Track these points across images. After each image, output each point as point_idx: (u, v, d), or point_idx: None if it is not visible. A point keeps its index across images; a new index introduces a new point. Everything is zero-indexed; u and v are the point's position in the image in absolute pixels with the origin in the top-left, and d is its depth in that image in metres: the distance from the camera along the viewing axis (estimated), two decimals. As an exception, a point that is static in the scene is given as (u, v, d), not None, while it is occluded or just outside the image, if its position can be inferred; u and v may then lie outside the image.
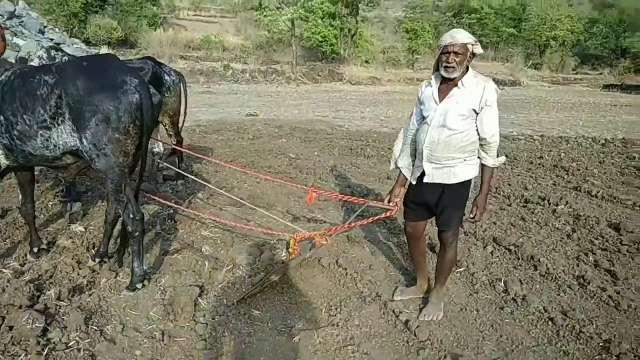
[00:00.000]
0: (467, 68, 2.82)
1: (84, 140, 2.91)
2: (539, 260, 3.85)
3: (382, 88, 26.46)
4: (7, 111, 2.97)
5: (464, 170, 2.91)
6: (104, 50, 24.67)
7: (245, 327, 2.91)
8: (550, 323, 3.06)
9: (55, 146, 3.02)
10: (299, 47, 30.79)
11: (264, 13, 29.07)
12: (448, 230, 3.06)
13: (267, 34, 32.58)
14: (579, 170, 7.17)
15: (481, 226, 4.66)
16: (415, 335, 2.93)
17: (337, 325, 2.99)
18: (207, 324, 2.90)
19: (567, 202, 5.36)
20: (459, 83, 2.82)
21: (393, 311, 3.17)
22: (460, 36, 2.75)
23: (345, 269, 3.69)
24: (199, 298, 3.10)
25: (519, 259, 3.97)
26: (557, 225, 4.75)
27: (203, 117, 12.59)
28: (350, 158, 8.19)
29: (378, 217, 3.48)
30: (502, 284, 3.53)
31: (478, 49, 2.79)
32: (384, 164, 7.72)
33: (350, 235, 4.33)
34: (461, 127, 2.82)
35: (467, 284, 3.61)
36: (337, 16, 30.60)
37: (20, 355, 2.47)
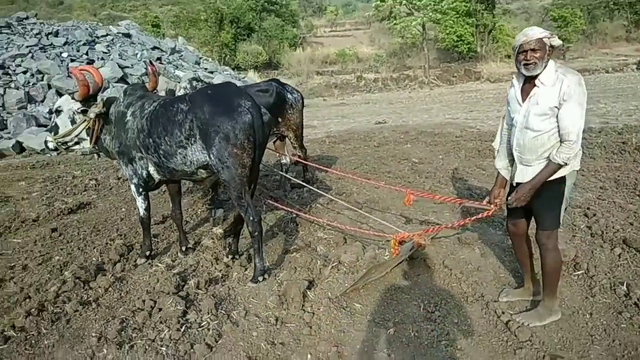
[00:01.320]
0: (547, 63, 2.74)
1: (211, 155, 3.51)
2: (675, 264, 3.43)
3: (524, 83, 24.62)
4: (154, 134, 3.73)
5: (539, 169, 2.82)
6: (251, 74, 27.31)
7: (346, 318, 3.19)
8: (675, 332, 2.76)
9: (191, 162, 3.68)
10: (433, 49, 30.33)
11: (395, 21, 29.29)
12: (542, 231, 2.94)
13: (400, 41, 32.71)
14: None
15: (613, 227, 4.27)
16: (515, 336, 2.90)
17: (434, 322, 3.10)
18: (313, 314, 3.24)
19: None
20: (537, 81, 2.75)
21: (495, 312, 3.16)
22: (533, 32, 2.72)
23: (451, 269, 3.75)
24: (307, 290, 3.47)
25: (651, 262, 3.58)
26: None
27: (334, 128, 13.25)
28: (477, 160, 7.94)
29: (475, 217, 3.47)
30: (624, 287, 3.25)
31: (556, 41, 2.71)
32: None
33: (461, 238, 4.34)
34: (544, 128, 2.76)
35: (584, 287, 3.40)
36: (472, 13, 29.44)
37: (164, 331, 3.09)
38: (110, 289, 3.72)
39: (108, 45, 16.00)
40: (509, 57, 29.94)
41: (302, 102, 6.31)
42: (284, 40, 36.24)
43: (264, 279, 3.73)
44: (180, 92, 5.57)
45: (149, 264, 4.19)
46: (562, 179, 2.83)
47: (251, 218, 3.63)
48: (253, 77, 25.58)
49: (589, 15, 34.61)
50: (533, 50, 2.69)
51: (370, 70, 30.03)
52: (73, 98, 4.22)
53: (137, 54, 16.38)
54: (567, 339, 2.86)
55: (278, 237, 4.68)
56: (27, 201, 6.43)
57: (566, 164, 2.77)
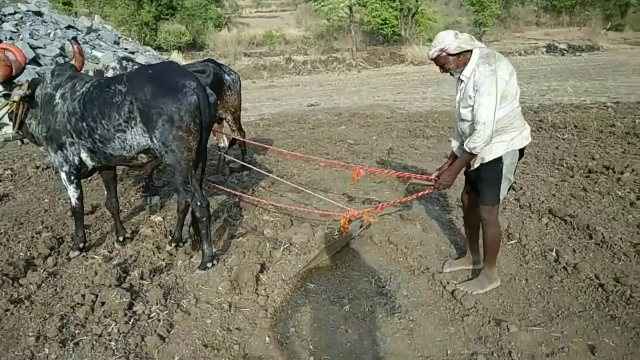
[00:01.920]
0: (469, 59, 2.90)
1: (154, 139, 3.33)
2: (595, 229, 3.80)
3: (446, 66, 25.73)
4: (88, 118, 3.46)
5: (489, 151, 2.95)
6: (175, 54, 26.14)
7: (301, 299, 3.21)
8: (600, 290, 3.07)
9: (130, 147, 3.47)
10: (359, 32, 30.69)
11: (322, 3, 29.26)
12: (483, 205, 3.11)
13: (327, 23, 32.73)
14: (655, 135, 6.74)
15: (538, 199, 4.63)
16: (461, 304, 3.07)
17: (386, 296, 3.21)
18: (267, 296, 3.23)
19: (633, 170, 5.13)
20: (462, 76, 2.95)
21: (441, 282, 3.33)
22: (431, 52, 2.98)
23: (397, 245, 3.88)
24: (260, 274, 3.44)
25: (574, 228, 3.94)
26: (620, 194, 4.60)
27: (267, 111, 13.09)
28: (409, 140, 8.24)
29: (422, 193, 3.58)
30: (553, 253, 3.55)
31: (452, 49, 2.86)
32: (443, 143, 7.72)
33: (403, 214, 4.49)
34: (469, 117, 2.95)
35: (517, 255, 3.67)
36: (395, -3, 30.09)
37: (111, 325, 2.93)
38: (43, 284, 3.45)
39: (17, 24, 14.50)
40: (430, 40, 31.05)
41: (240, 84, 6.16)
42: (208, 20, 34.89)
43: (213, 265, 3.64)
44: (109, 73, 5.21)
45: (84, 256, 3.93)
46: (500, 159, 2.97)
47: (198, 203, 3.51)
48: (177, 58, 24.47)
49: (503, 0, 36.65)
50: (440, 65, 2.99)
51: (299, 53, 29.86)
52: None
53: (49, 33, 15.00)
54: (507, 303, 3.08)
55: (222, 222, 4.57)
56: None
57: (473, 153, 2.92)
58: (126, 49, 18.78)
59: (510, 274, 3.41)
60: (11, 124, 3.95)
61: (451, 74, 3.05)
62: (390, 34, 30.97)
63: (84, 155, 3.71)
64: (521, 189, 4.95)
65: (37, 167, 6.83)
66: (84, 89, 3.56)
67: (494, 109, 2.78)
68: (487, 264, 3.29)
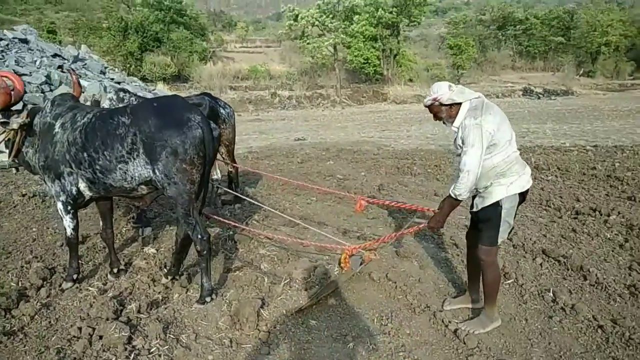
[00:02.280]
0: (458, 111, 3.06)
1: (156, 171, 3.32)
2: (588, 270, 3.89)
3: (427, 106, 26.43)
4: (89, 148, 3.44)
5: (489, 194, 3.06)
6: (160, 86, 26.22)
7: (304, 335, 3.17)
8: (599, 331, 3.13)
9: (132, 178, 3.44)
10: (342, 70, 31.46)
11: (307, 41, 30.01)
12: (481, 246, 3.18)
13: (311, 60, 33.49)
14: (634, 179, 7.00)
15: (530, 239, 4.73)
16: (464, 343, 3.08)
17: (389, 334, 3.19)
18: (269, 332, 3.18)
19: (619, 212, 5.31)
20: (453, 127, 3.11)
21: (442, 321, 3.33)
22: (426, 100, 3.18)
23: (395, 282, 3.88)
24: (261, 309, 3.39)
25: (568, 269, 4.03)
26: (608, 236, 4.74)
27: (254, 144, 13.18)
28: (397, 177, 8.37)
29: (418, 227, 3.61)
30: (550, 294, 3.61)
31: (444, 99, 3.04)
32: (431, 181, 7.87)
33: (399, 251, 4.52)
34: None
35: (515, 295, 3.71)
36: (378, 38, 31.09)
37: (111, 359, 2.84)
38: (36, 316, 3.34)
39: (2, 51, 14.36)
40: (411, 80, 32.07)
41: (234, 117, 6.23)
42: (193, 53, 35.31)
43: (212, 299, 3.58)
44: (105, 104, 5.21)
45: (77, 288, 3.83)
46: (498, 202, 3.05)
47: (199, 236, 3.48)
48: (163, 89, 24.54)
49: (480, 44, 38.23)
50: (433, 113, 3.19)
51: (284, 88, 30.36)
52: None
53: (35, 60, 14.85)
54: (510, 343, 3.10)
55: (217, 255, 4.52)
56: None
57: (458, 199, 3.02)
58: (112, 78, 18.67)
59: (510, 314, 3.44)
60: (7, 151, 3.90)
61: (444, 123, 3.19)
62: (372, 73, 31.84)
63: (82, 186, 3.67)
64: (512, 228, 5.04)
65: (23, 195, 6.67)
66: (85, 119, 3.55)
67: (478, 159, 2.89)
68: (488, 304, 3.32)
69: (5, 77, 3.90)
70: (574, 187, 6.92)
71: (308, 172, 8.76)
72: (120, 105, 4.91)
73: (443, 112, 3.12)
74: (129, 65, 31.30)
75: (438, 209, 3.27)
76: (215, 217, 4.84)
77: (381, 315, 3.43)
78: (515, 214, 3.20)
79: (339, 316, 3.42)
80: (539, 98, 27.94)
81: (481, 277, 3.33)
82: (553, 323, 3.28)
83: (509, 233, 3.27)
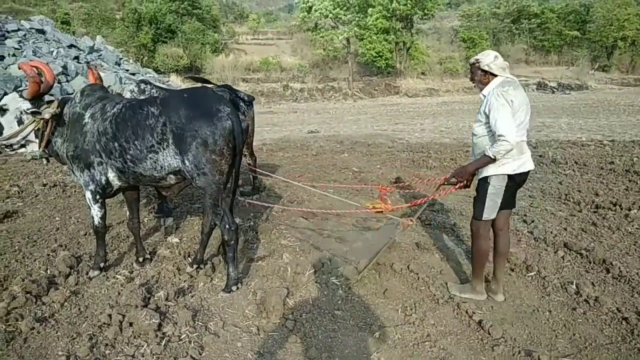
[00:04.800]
0: (490, 80, 3.27)
1: (186, 161, 3.36)
2: (611, 263, 3.89)
3: (440, 99, 26.31)
4: (120, 138, 3.50)
5: (483, 168, 3.27)
6: (173, 77, 26.34)
7: (330, 324, 3.22)
8: (624, 323, 3.13)
9: (162, 167, 3.50)
10: (354, 63, 31.33)
11: (320, 33, 29.90)
12: (472, 218, 3.48)
13: (323, 53, 33.40)
14: (654, 174, 6.94)
15: (551, 232, 4.72)
16: (489, 334, 3.10)
17: (414, 324, 3.23)
18: (295, 321, 3.23)
19: (640, 207, 5.29)
20: (481, 94, 3.31)
21: (466, 312, 3.36)
22: (472, 59, 3.40)
23: (417, 273, 3.91)
24: (286, 298, 3.44)
25: (590, 262, 4.03)
26: (630, 230, 4.72)
27: (267, 136, 13.21)
28: (413, 170, 8.37)
29: (449, 190, 3.74)
30: (574, 286, 3.62)
31: (482, 64, 3.26)
32: (447, 174, 7.85)
33: (419, 243, 4.55)
34: (478, 133, 3.31)
35: (538, 287, 3.72)
36: (391, 31, 30.91)
37: (143, 346, 2.91)
38: (66, 303, 3.42)
39: (20, 41, 14.60)
40: (424, 74, 31.88)
41: (254, 110, 6.26)
42: (206, 44, 35.38)
43: (238, 288, 3.64)
44: (127, 95, 5.27)
45: (104, 276, 3.91)
46: (486, 179, 3.27)
47: (227, 226, 3.53)
48: (176, 81, 24.69)
49: (494, 38, 37.84)
50: (471, 72, 3.41)
51: (296, 80, 30.34)
52: (21, 96, 3.85)
53: (52, 51, 15.11)
54: (534, 334, 3.12)
55: (240, 245, 4.58)
56: (-61, 209, 5.68)
57: (495, 158, 3.12)
58: (127, 70, 18.91)
59: (533, 305, 3.46)
60: (37, 141, 3.96)
61: (476, 86, 3.43)
62: (385, 66, 31.69)
63: (112, 175, 3.73)
64: (533, 222, 5.05)
65: (45, 185, 6.79)
66: (115, 109, 3.61)
67: (510, 121, 3.03)
68: (473, 275, 3.61)
69: (36, 66, 3.97)
70: (592, 182, 6.88)
71: (323, 165, 8.78)
72: (142, 96, 4.97)
73: (478, 75, 3.33)
74: (142, 57, 31.46)
75: (468, 163, 3.44)
76: (252, 201, 4.89)
77: (405, 305, 3.47)
78: (510, 197, 3.38)
79: (363, 306, 3.46)
80: (553, 92, 27.66)
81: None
82: (577, 315, 3.29)
83: (497, 212, 3.38)
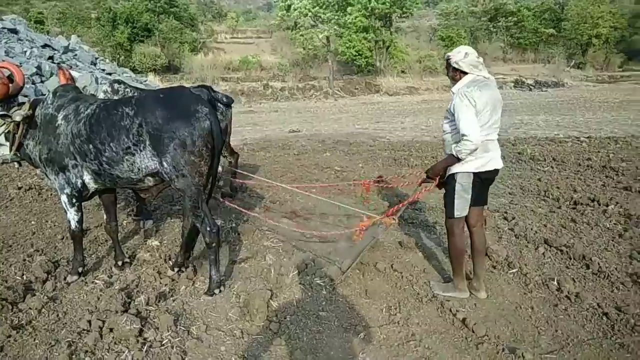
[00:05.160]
0: (462, 77, 3.32)
1: (164, 163, 3.29)
2: (591, 259, 3.95)
3: (420, 97, 26.50)
4: (95, 140, 3.40)
5: (450, 167, 3.38)
6: (151, 77, 25.95)
7: (314, 325, 3.19)
8: (604, 318, 3.18)
9: (139, 169, 3.42)
10: (334, 62, 31.35)
11: (300, 32, 29.84)
12: (445, 216, 3.56)
13: (303, 52, 33.34)
14: (630, 170, 7.09)
15: (531, 229, 4.78)
16: (473, 332, 3.11)
17: (398, 323, 3.22)
18: (279, 323, 3.19)
19: (617, 202, 5.39)
20: (452, 90, 3.38)
21: (450, 310, 3.37)
22: (446, 54, 3.46)
23: (401, 272, 3.92)
24: (270, 300, 3.40)
25: (570, 258, 4.08)
26: (608, 225, 4.81)
27: (248, 136, 13.11)
28: (394, 168, 8.39)
29: (426, 189, 3.78)
30: (555, 282, 3.66)
31: (452, 61, 3.33)
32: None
33: (402, 242, 4.56)
34: (447, 129, 3.40)
35: (520, 283, 3.76)
36: (370, 29, 31.00)
37: (124, 352, 2.84)
38: (43, 310, 3.32)
39: (-9, 41, 14.22)
40: (404, 72, 32.07)
41: (231, 111, 6.18)
42: (184, 43, 34.98)
43: (220, 291, 3.58)
44: (101, 96, 5.14)
45: (83, 281, 3.81)
46: (453, 176, 3.36)
47: (208, 229, 3.47)
48: (154, 80, 24.32)
49: (471, 36, 38.28)
50: (446, 70, 3.46)
51: (276, 79, 30.21)
52: None
53: (25, 51, 14.70)
54: (517, 332, 3.14)
55: (221, 247, 4.51)
56: None
57: (459, 157, 3.22)
58: (103, 69, 18.54)
59: (515, 302, 3.48)
60: (7, 144, 3.84)
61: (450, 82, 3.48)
62: (364, 65, 31.78)
63: (88, 178, 3.64)
64: (513, 218, 5.10)
65: (19, 188, 6.60)
66: (89, 110, 3.51)
67: (473, 121, 3.11)
68: (453, 272, 3.65)
69: (4, 67, 3.84)
70: (570, 178, 6.99)
71: (305, 165, 8.74)
72: (116, 97, 4.85)
73: (449, 71, 3.41)
74: (118, 56, 30.99)
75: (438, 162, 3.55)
76: (231, 205, 4.82)
77: (389, 305, 3.46)
78: (480, 194, 3.43)
79: (347, 307, 3.44)
80: (530, 90, 28.12)
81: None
82: (559, 311, 3.33)
83: (468, 210, 3.44)
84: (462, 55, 3.28)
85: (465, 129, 3.10)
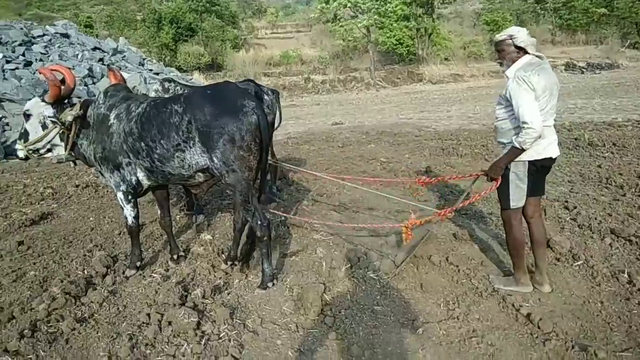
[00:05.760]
0: (518, 59, 3.11)
1: (214, 159, 3.30)
2: (664, 250, 3.67)
3: (465, 84, 25.74)
4: (146, 138, 3.46)
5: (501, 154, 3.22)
6: (196, 75, 26.53)
7: (370, 320, 3.12)
8: (685, 313, 2.94)
9: (189, 166, 3.45)
10: (375, 52, 30.94)
11: (340, 23, 29.62)
12: (500, 208, 3.40)
13: (343, 43, 33.10)
14: (701, 154, 6.58)
15: (595, 218, 4.51)
16: (538, 327, 2.95)
17: (458, 319, 3.10)
18: (334, 317, 3.15)
19: (689, 189, 5.00)
20: (506, 73, 3.16)
21: (513, 305, 3.21)
22: (499, 35, 3.21)
23: (457, 266, 3.78)
24: (324, 294, 3.36)
25: (641, 249, 3.81)
26: (681, 214, 4.46)
27: (292, 130, 13.14)
28: (443, 158, 8.16)
29: (485, 192, 3.55)
30: (625, 275, 3.42)
31: (518, 41, 3.07)
32: (479, 161, 7.64)
33: (456, 234, 4.40)
34: (500, 116, 3.20)
35: (587, 276, 3.54)
36: (411, 17, 30.36)
37: (183, 345, 2.88)
38: (104, 303, 3.43)
39: (46, 46, 14.90)
40: (447, 59, 31.24)
41: (279, 104, 6.18)
42: (226, 41, 35.56)
43: (273, 284, 3.58)
44: (152, 94, 5.25)
45: (141, 275, 3.91)
46: (507, 166, 3.18)
47: (259, 222, 3.47)
48: (199, 78, 24.85)
49: (517, 19, 36.77)
50: (498, 51, 3.22)
51: (317, 72, 30.16)
52: (43, 100, 3.86)
53: (77, 54, 15.37)
54: (587, 327, 2.95)
55: (272, 241, 4.52)
56: (-23, 214, 5.81)
57: (523, 148, 3.02)
58: (151, 70, 19.11)
59: (583, 297, 3.28)
60: (62, 145, 3.96)
61: (500, 65, 3.28)
62: (406, 54, 31.20)
63: (141, 175, 3.70)
64: (575, 208, 4.82)
65: (77, 186, 6.88)
66: (139, 109, 3.57)
67: (534, 107, 2.92)
68: (514, 266, 3.44)
69: (56, 70, 3.96)
70: (633, 164, 6.55)
71: (350, 157, 8.65)
72: (166, 95, 4.94)
73: (510, 52, 3.14)
74: (164, 56, 31.85)
75: (498, 158, 3.29)
76: (279, 213, 4.83)
77: (447, 299, 3.34)
78: (537, 184, 3.24)
79: (403, 301, 3.35)
80: (582, 73, 26.69)
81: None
82: (632, 305, 3.11)
83: (525, 200, 3.26)
84: (526, 33, 3.09)
85: (526, 116, 2.91)
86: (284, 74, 30.64)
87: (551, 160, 3.20)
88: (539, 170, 3.20)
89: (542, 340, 2.84)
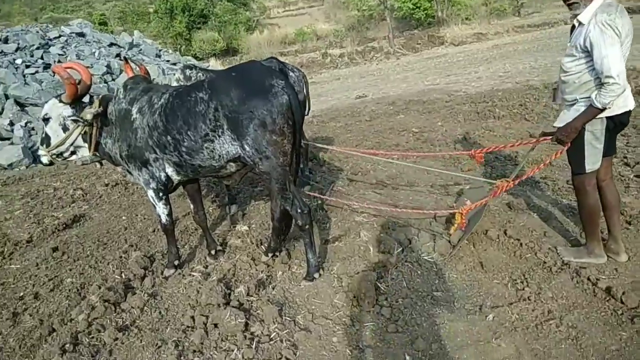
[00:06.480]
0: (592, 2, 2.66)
1: (245, 146, 3.03)
2: None
3: (490, 43, 24.61)
4: (172, 131, 3.21)
5: (572, 113, 2.84)
6: (212, 62, 26.29)
7: (432, 308, 2.85)
8: None
9: (220, 156, 3.19)
10: (392, 19, 29.95)
11: (353, -7, 28.73)
12: (572, 174, 3.05)
13: (358, 14, 32.17)
14: None
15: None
16: (622, 303, 2.64)
17: (529, 300, 2.80)
18: (391, 308, 2.89)
19: None
20: (576, 21, 2.71)
21: (589, 279, 2.89)
22: None
23: (518, 239, 3.45)
24: (377, 282, 3.10)
25: None
26: None
27: (315, 108, 12.75)
28: (479, 122, 7.70)
29: (552, 158, 3.22)
30: None
31: None
32: (519, 122, 7.18)
33: (511, 204, 4.06)
34: (571, 69, 2.78)
35: (668, 240, 3.17)
36: (427, -22, 29.16)
37: (233, 350, 2.67)
38: (145, 308, 3.26)
39: (63, 47, 14.84)
40: (468, 19, 29.99)
41: (305, 81, 5.85)
42: (239, 24, 35.07)
43: (320, 275, 3.34)
44: (174, 84, 5.00)
45: (180, 274, 3.73)
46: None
47: (299, 210, 3.21)
48: (216, 65, 24.60)
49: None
50: None
51: (334, 46, 29.46)
52: (61, 101, 3.64)
53: (94, 52, 15.28)
54: (683, 300, 2.61)
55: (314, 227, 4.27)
56: (11, 221, 5.75)
57: (605, 108, 2.64)
58: (168, 60, 18.93)
59: (669, 264, 2.93)
60: (86, 146, 3.76)
61: (570, 8, 2.77)
62: (424, 17, 30.09)
63: (170, 170, 3.47)
64: (637, 164, 4.40)
65: (107, 185, 6.77)
66: (162, 100, 3.31)
67: (620, 57, 2.53)
68: (587, 236, 3.15)
69: (71, 68, 3.74)
70: None
71: (380, 130, 8.27)
72: (189, 83, 4.68)
73: None
74: (179, 46, 31.70)
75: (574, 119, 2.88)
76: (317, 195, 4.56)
77: (513, 278, 3.04)
78: (611, 142, 2.92)
79: (464, 284, 3.06)
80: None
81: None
82: None
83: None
84: None
85: (612, 69, 2.49)
86: (300, 51, 30.03)
87: (629, 114, 2.80)
88: (617, 126, 2.82)
89: (630, 317, 2.52)
